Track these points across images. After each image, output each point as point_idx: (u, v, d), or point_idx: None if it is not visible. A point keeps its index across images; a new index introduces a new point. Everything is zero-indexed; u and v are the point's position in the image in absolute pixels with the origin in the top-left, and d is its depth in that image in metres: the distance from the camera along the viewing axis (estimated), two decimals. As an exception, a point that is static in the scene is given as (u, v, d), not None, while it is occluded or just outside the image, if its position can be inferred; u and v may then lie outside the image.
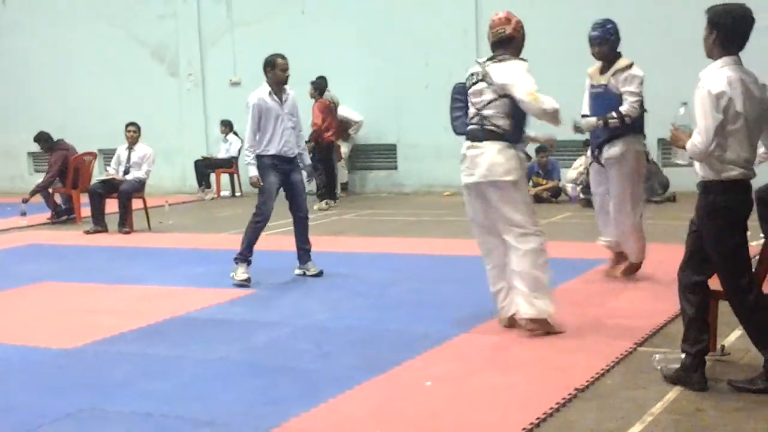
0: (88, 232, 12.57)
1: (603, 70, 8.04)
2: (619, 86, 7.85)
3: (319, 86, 15.08)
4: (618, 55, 7.98)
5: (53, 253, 11.14)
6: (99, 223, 12.71)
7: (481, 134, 6.42)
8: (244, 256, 8.63)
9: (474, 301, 7.53)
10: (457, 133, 6.80)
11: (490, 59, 6.53)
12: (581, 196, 13.87)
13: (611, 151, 7.88)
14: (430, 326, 6.81)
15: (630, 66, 7.84)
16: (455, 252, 9.83)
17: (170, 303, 7.91)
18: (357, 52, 16.37)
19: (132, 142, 12.93)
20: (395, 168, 16.86)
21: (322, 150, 14.77)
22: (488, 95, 6.42)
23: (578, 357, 5.83)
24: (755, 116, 4.99)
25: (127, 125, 13.08)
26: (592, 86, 8.17)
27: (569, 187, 14.44)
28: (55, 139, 14.28)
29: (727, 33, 4.96)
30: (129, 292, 8.58)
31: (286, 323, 7.09)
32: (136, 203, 12.83)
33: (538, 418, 4.74)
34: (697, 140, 4.90)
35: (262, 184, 8.65)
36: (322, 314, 7.38)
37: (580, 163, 14.40)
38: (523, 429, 4.60)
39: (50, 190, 14.17)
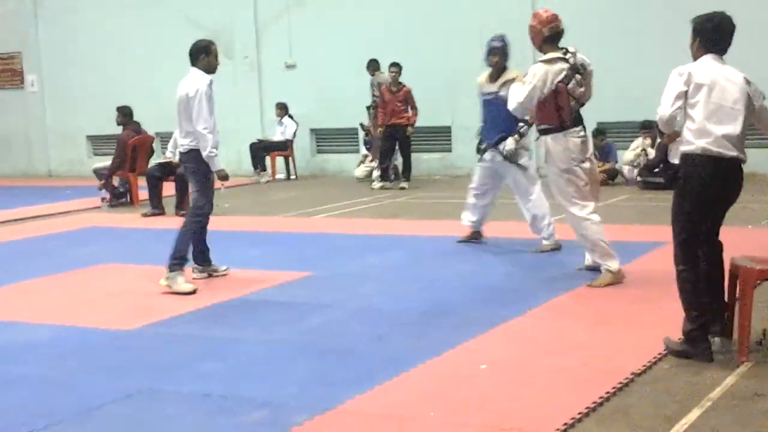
0: (145, 215, 12.72)
1: (492, 79, 8.93)
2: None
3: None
4: (507, 66, 9.01)
5: (112, 236, 11.29)
6: (156, 206, 12.85)
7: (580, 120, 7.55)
8: (182, 261, 7.88)
9: (528, 284, 7.52)
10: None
11: (558, 50, 7.44)
12: (638, 178, 13.73)
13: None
14: (484, 309, 6.80)
15: (517, 78, 8.24)
16: (509, 234, 9.78)
17: (227, 285, 7.98)
18: (411, 31, 16.31)
19: (188, 125, 13.01)
20: (450, 150, 16.80)
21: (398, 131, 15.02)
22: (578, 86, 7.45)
23: (635, 340, 5.78)
24: (732, 101, 5.31)
25: (183, 109, 13.15)
26: (483, 93, 9.03)
27: (626, 169, 14.30)
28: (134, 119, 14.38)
29: (708, 37, 5.44)
30: (186, 275, 8.65)
31: (341, 305, 7.12)
32: (193, 186, 12.92)
33: (594, 402, 4.71)
34: (659, 108, 5.34)
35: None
36: (376, 297, 7.40)
37: (637, 144, 14.26)
38: (580, 413, 4.57)
39: (102, 175, 14.35)
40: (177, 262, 7.78)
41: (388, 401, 4.96)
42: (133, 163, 13.96)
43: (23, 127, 21.00)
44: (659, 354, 5.46)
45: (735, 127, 5.33)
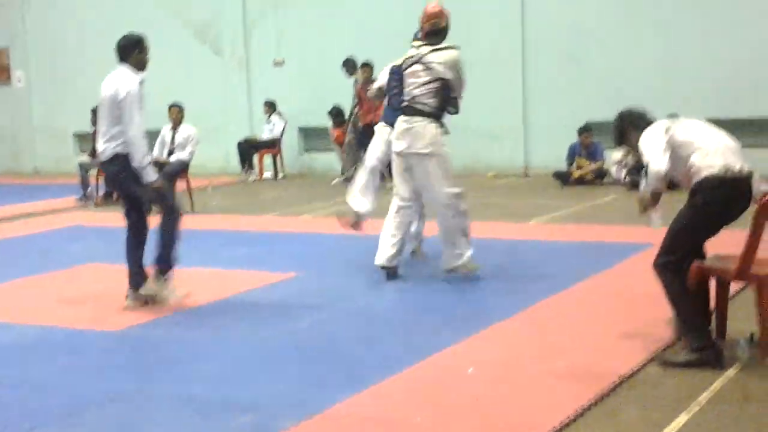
0: (132, 213, 12.63)
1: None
2: None
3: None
4: None
5: (98, 235, 11.23)
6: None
7: (412, 111, 7.50)
8: (168, 265, 7.35)
9: (515, 286, 7.51)
10: (394, 108, 7.88)
11: (427, 45, 7.53)
12: (626, 178, 13.72)
13: None
14: (473, 311, 6.80)
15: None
16: (498, 235, 9.78)
17: (214, 285, 7.95)
18: (401, 30, 16.23)
19: (176, 123, 12.98)
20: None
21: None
22: (425, 77, 7.45)
23: (622, 344, 5.77)
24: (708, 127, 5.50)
25: (171, 106, 13.13)
26: None
27: (614, 168, 14.28)
28: None
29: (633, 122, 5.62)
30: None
31: (329, 306, 7.10)
32: (180, 184, 12.90)
33: (582, 406, 4.70)
34: (651, 165, 5.27)
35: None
36: (365, 298, 7.38)
37: (626, 144, 14.25)
38: (567, 417, 4.56)
39: (87, 170, 14.28)
40: (161, 269, 7.32)
41: (377, 404, 4.95)
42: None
43: (9, 123, 20.90)
44: (647, 357, 5.46)
45: (733, 141, 5.44)
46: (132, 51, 7.25)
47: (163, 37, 18.49)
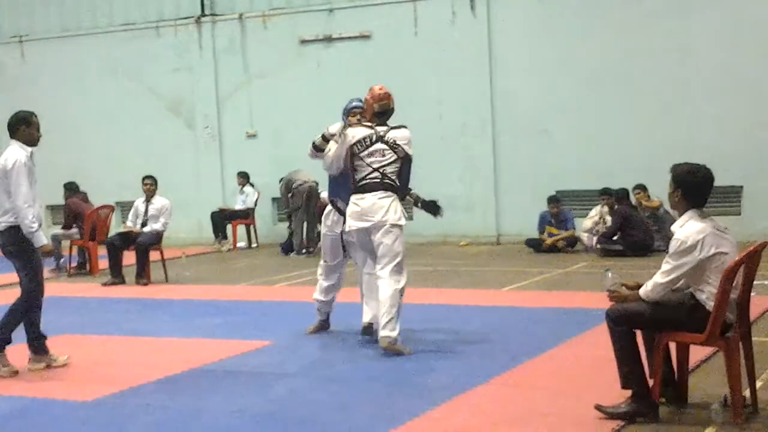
0: (105, 284, 12.64)
1: None
2: None
3: None
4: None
5: (71, 306, 11.18)
6: (117, 275, 12.77)
7: (381, 186, 7.66)
8: (4, 342, 7.50)
9: (492, 352, 7.56)
10: (354, 185, 7.78)
11: (383, 125, 7.80)
12: (597, 245, 13.88)
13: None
14: (448, 377, 6.82)
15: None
16: (472, 302, 9.84)
17: (188, 354, 7.93)
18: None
19: (149, 194, 13.04)
20: (411, 218, 16.87)
21: None
22: (390, 155, 7.70)
23: (599, 412, 5.80)
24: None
25: (144, 178, 13.20)
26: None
27: (585, 236, 14.45)
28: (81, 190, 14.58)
29: (691, 191, 5.52)
30: (147, 344, 8.62)
31: (304, 374, 7.11)
32: (154, 255, 12.91)
33: (558, 470, 4.73)
34: (660, 281, 5.46)
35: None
36: (339, 365, 7.39)
37: (596, 212, 14.44)
38: (544, 481, 4.59)
39: (60, 241, 14.28)
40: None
41: (353, 471, 4.94)
42: (92, 233, 13.91)
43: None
44: (620, 424, 5.48)
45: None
46: (20, 126, 7.52)
47: (136, 111, 18.76)
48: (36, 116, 7.65)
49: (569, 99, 15.44)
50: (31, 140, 7.56)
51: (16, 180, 7.28)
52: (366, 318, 8.19)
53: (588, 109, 15.36)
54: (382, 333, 7.57)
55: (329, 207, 8.39)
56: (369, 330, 8.13)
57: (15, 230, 7.32)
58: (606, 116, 15.25)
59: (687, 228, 5.44)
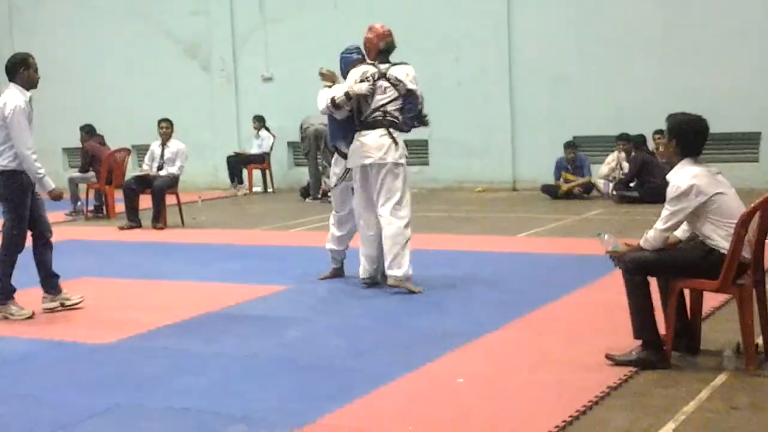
0: (122, 228, 12.69)
1: None
2: None
3: None
4: None
5: (89, 249, 11.25)
6: (133, 219, 12.81)
7: (382, 124, 7.72)
8: (8, 291, 7.53)
9: (505, 298, 7.57)
10: (360, 122, 7.85)
11: (386, 62, 7.86)
12: (613, 192, 13.82)
13: None
14: (462, 323, 6.84)
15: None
16: (487, 248, 9.84)
17: (204, 299, 7.98)
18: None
19: (165, 138, 13.03)
20: (427, 164, 16.86)
21: None
22: (392, 92, 7.74)
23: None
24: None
25: (160, 121, 13.18)
26: None
27: (601, 183, 14.39)
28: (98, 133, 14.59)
29: (685, 141, 5.55)
30: (164, 288, 8.68)
31: (320, 320, 7.14)
32: (170, 199, 12.94)
33: (570, 416, 4.75)
34: (661, 228, 5.48)
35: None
36: (354, 310, 7.42)
37: (612, 158, 14.36)
38: (556, 427, 4.62)
39: (77, 184, 14.34)
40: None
41: (367, 416, 4.99)
42: (109, 177, 13.95)
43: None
44: (635, 368, 5.51)
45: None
46: (19, 69, 7.41)
47: (152, 54, 18.69)
48: (33, 58, 7.52)
49: (587, 44, 15.28)
50: (31, 82, 7.47)
51: (18, 126, 7.24)
52: (363, 274, 8.11)
53: (606, 54, 15.20)
54: (387, 272, 7.77)
55: (336, 155, 8.34)
56: (369, 283, 8.10)
57: (8, 174, 7.31)
58: (624, 62, 15.08)
59: (681, 174, 5.48)
